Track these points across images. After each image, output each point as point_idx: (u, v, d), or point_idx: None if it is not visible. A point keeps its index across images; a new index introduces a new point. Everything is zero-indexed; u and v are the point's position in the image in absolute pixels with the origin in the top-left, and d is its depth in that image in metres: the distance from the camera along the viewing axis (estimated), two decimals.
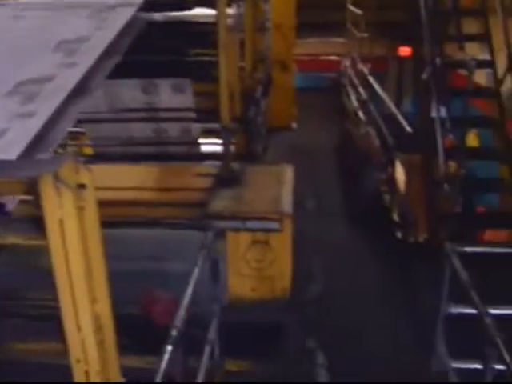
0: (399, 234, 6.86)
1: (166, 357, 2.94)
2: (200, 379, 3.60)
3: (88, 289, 2.12)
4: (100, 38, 2.93)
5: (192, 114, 5.51)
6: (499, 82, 6.27)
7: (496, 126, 6.43)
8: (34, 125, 2.22)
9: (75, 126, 5.64)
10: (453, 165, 5.99)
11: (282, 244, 4.60)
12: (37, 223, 2.05)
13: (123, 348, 2.63)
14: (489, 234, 6.54)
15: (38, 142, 2.18)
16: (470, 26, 6.92)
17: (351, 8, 11.78)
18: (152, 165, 5.59)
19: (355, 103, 10.72)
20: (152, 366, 2.94)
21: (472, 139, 7.86)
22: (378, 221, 7.09)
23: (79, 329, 2.14)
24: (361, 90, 10.29)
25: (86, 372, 2.19)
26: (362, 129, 9.56)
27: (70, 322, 2.14)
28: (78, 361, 2.17)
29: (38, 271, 2.99)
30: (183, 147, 5.71)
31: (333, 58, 13.96)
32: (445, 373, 3.87)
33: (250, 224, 4.48)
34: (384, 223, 7.07)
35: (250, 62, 6.52)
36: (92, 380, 2.20)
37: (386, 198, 7.69)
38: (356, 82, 10.93)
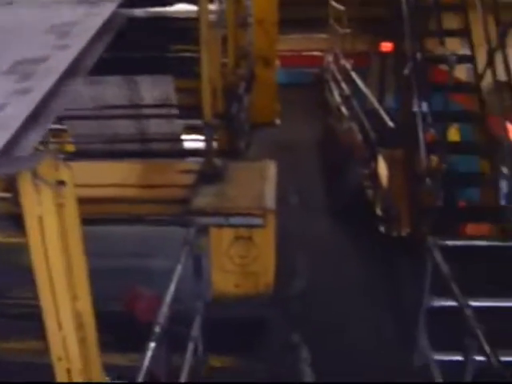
0: (382, 229, 6.90)
1: (149, 354, 2.93)
2: (184, 376, 3.60)
3: (68, 286, 2.11)
4: (89, 23, 2.94)
5: (174, 111, 5.50)
6: (479, 76, 6.33)
7: (476, 121, 6.49)
8: (31, 100, 2.22)
9: (57, 124, 5.61)
10: (434, 159, 6.04)
11: (266, 240, 4.61)
12: (16, 221, 2.04)
13: (106, 346, 2.62)
14: (470, 228, 6.60)
15: (31, 121, 2.17)
16: (451, 22, 6.97)
17: (334, 4, 11.80)
18: (134, 162, 5.57)
19: (338, 99, 10.74)
20: (135, 364, 2.93)
21: (453, 134, 7.93)
22: (361, 215, 7.12)
23: (60, 327, 2.14)
24: (343, 85, 10.31)
25: (68, 370, 2.18)
26: (345, 124, 9.59)
27: (50, 319, 2.13)
28: (60, 359, 2.16)
29: (18, 269, 2.97)
30: (165, 144, 5.70)
31: (315, 53, 13.99)
32: (427, 365, 3.90)
33: (233, 220, 4.48)
34: (367, 218, 7.10)
35: (232, 58, 6.52)
36: (74, 378, 2.19)
37: (369, 192, 7.73)
38: (339, 77, 10.95)
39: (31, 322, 2.65)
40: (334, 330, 5.08)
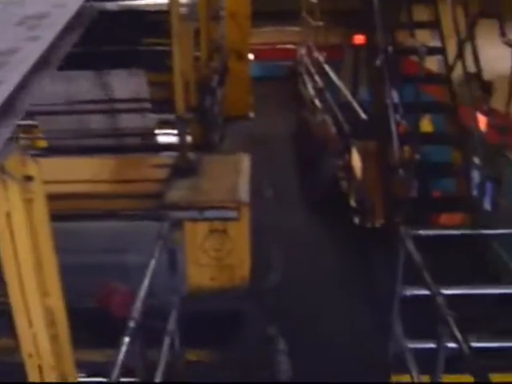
0: (357, 220, 6.96)
1: (124, 349, 2.91)
2: (160, 370, 3.59)
3: (38, 283, 2.09)
4: (60, 14, 2.90)
5: (147, 105, 5.46)
6: (450, 68, 6.40)
7: (448, 112, 6.57)
8: (3, 91, 2.18)
9: (28, 119, 5.53)
10: (407, 150, 6.10)
11: (240, 233, 4.61)
12: None
13: (82, 342, 2.60)
14: (444, 218, 6.70)
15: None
16: (421, 14, 7.03)
17: None
18: (107, 157, 5.52)
19: (311, 91, 10.79)
20: (111, 359, 2.91)
21: (426, 125, 8.01)
22: (335, 207, 7.18)
23: (30, 324, 2.11)
24: (317, 78, 10.36)
25: (39, 366, 2.16)
26: (319, 117, 9.64)
27: (21, 316, 2.11)
28: (30, 355, 2.14)
29: None
30: (139, 138, 5.66)
31: (289, 46, 14.01)
32: (401, 353, 3.95)
33: (208, 213, 4.47)
34: (341, 209, 7.16)
35: (205, 51, 6.49)
36: (46, 374, 2.17)
37: (343, 184, 7.79)
38: (312, 70, 11.00)
39: (1, 319, 2.62)
40: (310, 321, 5.11)
